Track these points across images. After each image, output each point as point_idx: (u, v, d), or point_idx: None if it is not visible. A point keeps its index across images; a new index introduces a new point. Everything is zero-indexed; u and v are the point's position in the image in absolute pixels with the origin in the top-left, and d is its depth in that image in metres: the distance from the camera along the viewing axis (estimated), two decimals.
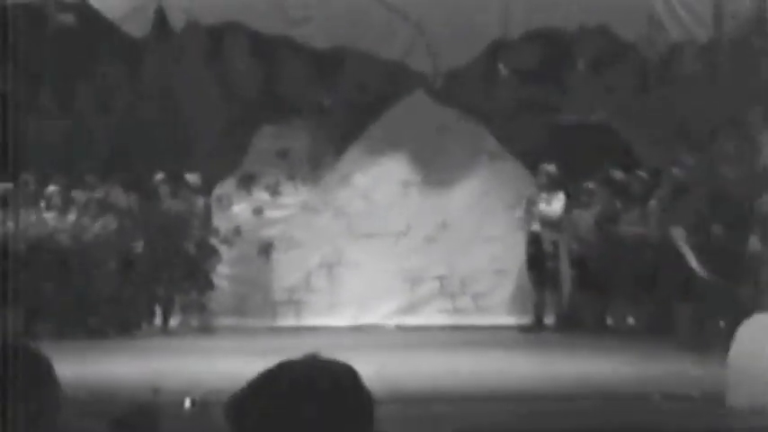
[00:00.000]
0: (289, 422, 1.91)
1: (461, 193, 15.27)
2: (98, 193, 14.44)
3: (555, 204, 14.20)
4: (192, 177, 14.61)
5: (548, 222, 14.19)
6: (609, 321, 14.20)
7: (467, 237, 15.15)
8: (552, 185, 14.25)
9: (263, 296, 15.08)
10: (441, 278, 15.06)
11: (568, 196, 14.29)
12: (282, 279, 15.12)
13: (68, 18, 14.30)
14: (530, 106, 14.93)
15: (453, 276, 15.04)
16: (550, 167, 14.33)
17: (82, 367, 9.88)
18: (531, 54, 14.82)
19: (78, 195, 14.30)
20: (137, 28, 14.38)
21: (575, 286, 14.36)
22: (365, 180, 15.33)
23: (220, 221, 14.98)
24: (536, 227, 14.28)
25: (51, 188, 14.16)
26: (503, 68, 14.79)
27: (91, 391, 8.36)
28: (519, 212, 14.55)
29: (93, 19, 14.30)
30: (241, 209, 15.23)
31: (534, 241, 14.32)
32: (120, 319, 14.12)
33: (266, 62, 15.00)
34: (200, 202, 14.67)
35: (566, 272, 14.41)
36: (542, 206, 14.22)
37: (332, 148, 15.30)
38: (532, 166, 14.62)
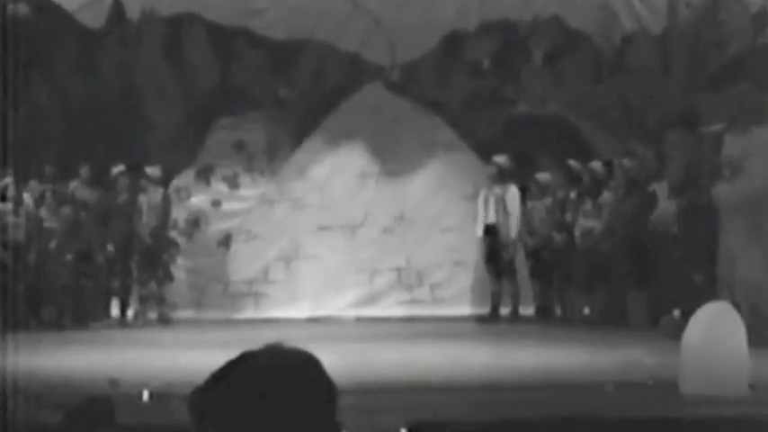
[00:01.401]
0: (252, 412, 1.91)
1: (418, 185, 15.24)
2: (55, 185, 14.21)
3: (511, 196, 14.13)
4: (152, 170, 14.42)
5: (504, 213, 14.12)
6: (564, 311, 14.21)
7: (424, 228, 15.13)
8: (505, 177, 14.14)
9: (221, 288, 15.00)
10: (398, 269, 15.04)
11: (523, 188, 14.25)
12: (241, 271, 15.04)
13: (24, 8, 14.16)
14: (485, 98, 14.95)
15: (411, 268, 15.03)
16: (502, 159, 14.24)
17: (38, 359, 9.77)
18: (487, 46, 14.86)
19: (35, 187, 14.05)
20: (93, 19, 14.35)
21: (531, 277, 14.37)
22: (322, 172, 15.23)
23: (179, 213, 14.87)
24: (492, 218, 14.17)
25: (6, 180, 13.85)
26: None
27: (47, 383, 8.24)
28: (476, 204, 14.48)
29: (49, 9, 14.24)
30: (200, 201, 15.15)
31: (490, 233, 14.23)
32: (76, 311, 13.92)
33: (223, 53, 14.94)
34: (159, 193, 14.45)
35: (522, 263, 14.40)
36: (498, 197, 14.16)
37: (289, 139, 15.21)
38: (487, 157, 14.56)
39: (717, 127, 12.22)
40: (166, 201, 14.53)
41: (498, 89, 14.90)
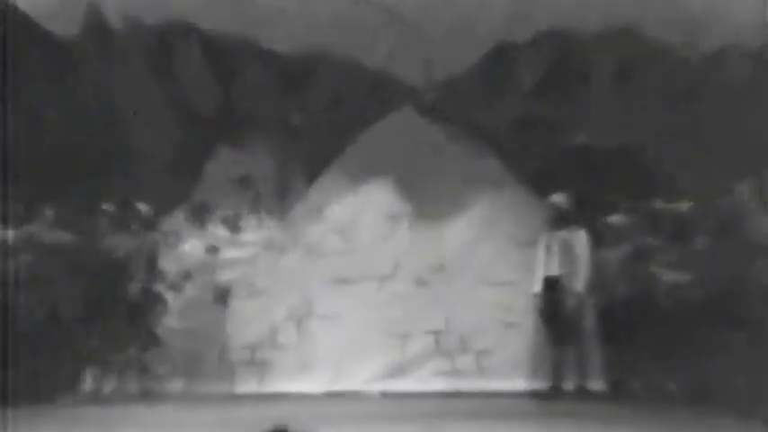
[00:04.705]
0: None
1: (460, 229, 14.26)
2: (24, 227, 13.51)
3: (580, 242, 13.10)
4: (142, 207, 13.92)
5: (571, 264, 13.05)
6: (644, 387, 13.21)
7: (468, 282, 14.09)
8: (567, 220, 13.17)
9: (218, 355, 14.04)
10: (436, 333, 14.00)
11: (591, 232, 13.23)
12: (243, 334, 14.08)
13: None
14: (542, 124, 14.06)
15: (451, 330, 13.98)
16: (560, 198, 13.29)
17: None
18: (543, 61, 13.98)
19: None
20: (65, 28, 13.61)
21: (602, 343, 13.32)
22: (343, 213, 14.40)
23: (168, 262, 14.07)
24: (556, 269, 13.08)
25: None
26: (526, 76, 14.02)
27: None
28: (533, 252, 13.40)
29: (13, 18, 13.42)
30: (193, 247, 14.34)
31: (552, 287, 13.10)
32: (38, 382, 12.91)
33: (223, 70, 14.21)
34: (143, 238, 13.83)
35: (590, 326, 13.32)
36: (564, 244, 13.13)
37: (302, 174, 14.48)
38: (545, 195, 13.57)
39: None
40: (152, 247, 13.87)
41: (557, 114, 13.97)
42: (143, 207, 13.79)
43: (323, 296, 14.09)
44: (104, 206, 13.55)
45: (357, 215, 14.39)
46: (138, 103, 13.94)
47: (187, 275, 14.05)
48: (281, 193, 14.45)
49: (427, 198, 14.27)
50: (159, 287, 13.79)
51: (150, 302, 13.64)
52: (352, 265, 14.19)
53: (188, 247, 14.27)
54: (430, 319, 13.99)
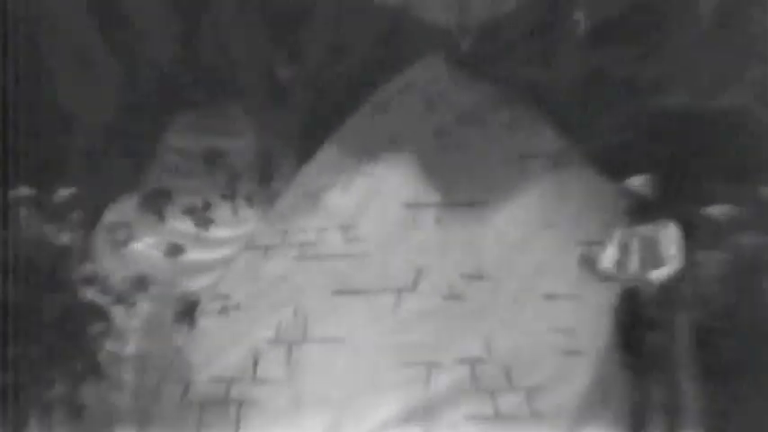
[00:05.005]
0: None
1: (504, 223, 12.23)
2: None
3: (667, 240, 10.96)
4: (76, 192, 11.94)
5: (651, 272, 10.97)
6: None
7: (513, 294, 12.02)
8: (653, 211, 11.06)
9: (181, 392, 11.99)
10: (472, 362, 11.88)
11: (684, 227, 11.05)
12: (214, 364, 12.06)
13: None
14: (615, 82, 12.00)
15: (493, 359, 11.82)
16: (639, 182, 11.19)
17: None
18: None
19: None
20: None
21: (699, 377, 11.13)
22: (347, 201, 12.51)
23: (113, 267, 12.20)
24: (632, 279, 11.07)
25: None
26: (581, 18, 12.03)
27: None
28: (602, 253, 11.27)
29: None
30: (147, 246, 12.62)
31: (628, 302, 10.95)
32: None
33: (187, 6, 12.43)
34: (78, 234, 11.83)
35: (684, 353, 11.12)
36: (646, 243, 11.05)
37: (292, 148, 12.77)
38: (617, 177, 11.39)
39: None
40: (92, 246, 12.13)
41: (636, 67, 11.94)
42: (77, 192, 11.80)
43: (321, 313, 11.99)
44: (22, 190, 11.55)
45: (366, 204, 12.44)
46: (72, 51, 12.07)
47: (139, 284, 12.15)
48: (263, 175, 12.79)
49: (460, 182, 12.30)
50: (101, 299, 11.77)
51: (88, 320, 11.61)
52: (361, 271, 12.11)
53: (140, 246, 12.52)
54: (464, 344, 11.77)
